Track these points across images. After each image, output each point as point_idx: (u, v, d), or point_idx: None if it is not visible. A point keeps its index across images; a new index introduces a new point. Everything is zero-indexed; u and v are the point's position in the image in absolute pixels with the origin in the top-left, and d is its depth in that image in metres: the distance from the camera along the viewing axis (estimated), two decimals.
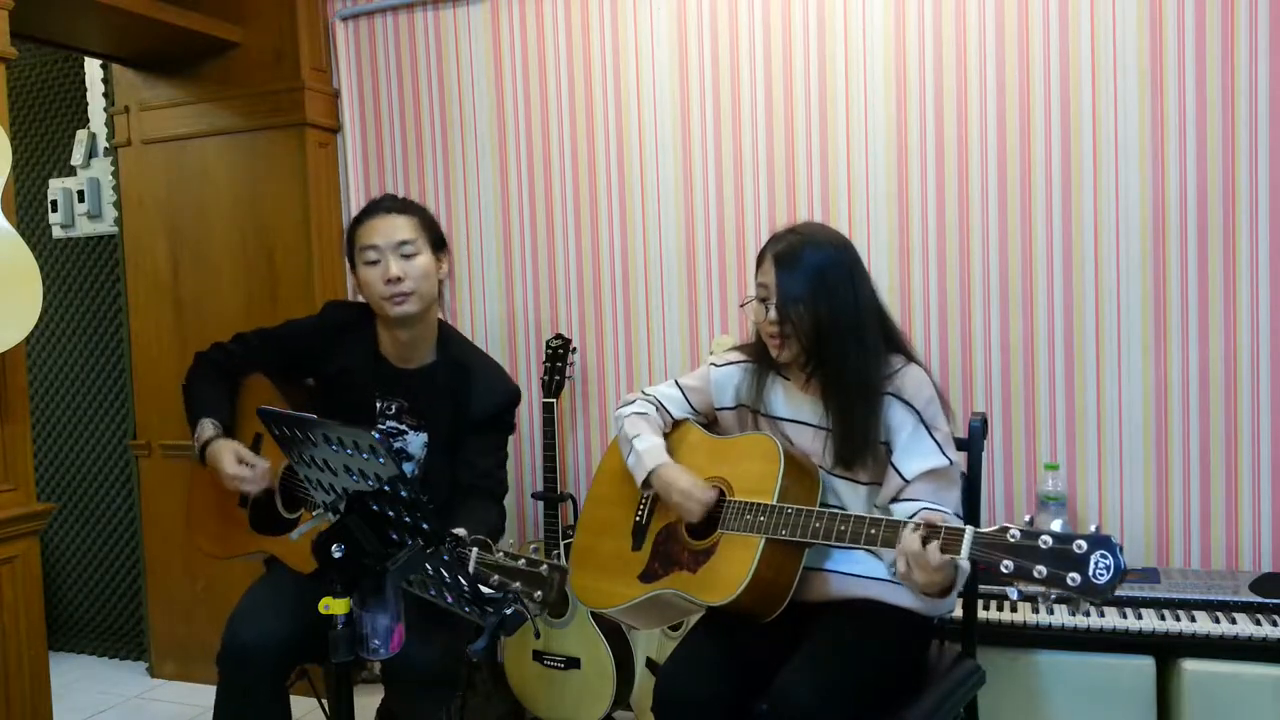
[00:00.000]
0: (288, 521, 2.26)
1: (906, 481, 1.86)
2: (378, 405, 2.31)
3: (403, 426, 2.31)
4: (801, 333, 1.89)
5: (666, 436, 2.10)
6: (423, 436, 2.31)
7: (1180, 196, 2.48)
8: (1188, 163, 2.47)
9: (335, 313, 2.41)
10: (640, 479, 2.03)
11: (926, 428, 1.88)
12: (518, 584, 1.79)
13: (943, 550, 1.62)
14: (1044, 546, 1.50)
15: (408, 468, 2.29)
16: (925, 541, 1.63)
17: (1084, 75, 2.53)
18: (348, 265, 2.34)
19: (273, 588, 2.20)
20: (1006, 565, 1.52)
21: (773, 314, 1.91)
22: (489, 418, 2.31)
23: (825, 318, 1.87)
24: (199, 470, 2.39)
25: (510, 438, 2.43)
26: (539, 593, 1.76)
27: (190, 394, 2.35)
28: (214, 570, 3.26)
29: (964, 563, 1.71)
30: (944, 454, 1.88)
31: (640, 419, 2.10)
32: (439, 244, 2.32)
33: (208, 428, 2.27)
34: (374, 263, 2.23)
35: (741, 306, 2.04)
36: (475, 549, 1.89)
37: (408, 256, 2.23)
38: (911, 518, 1.71)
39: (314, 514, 1.75)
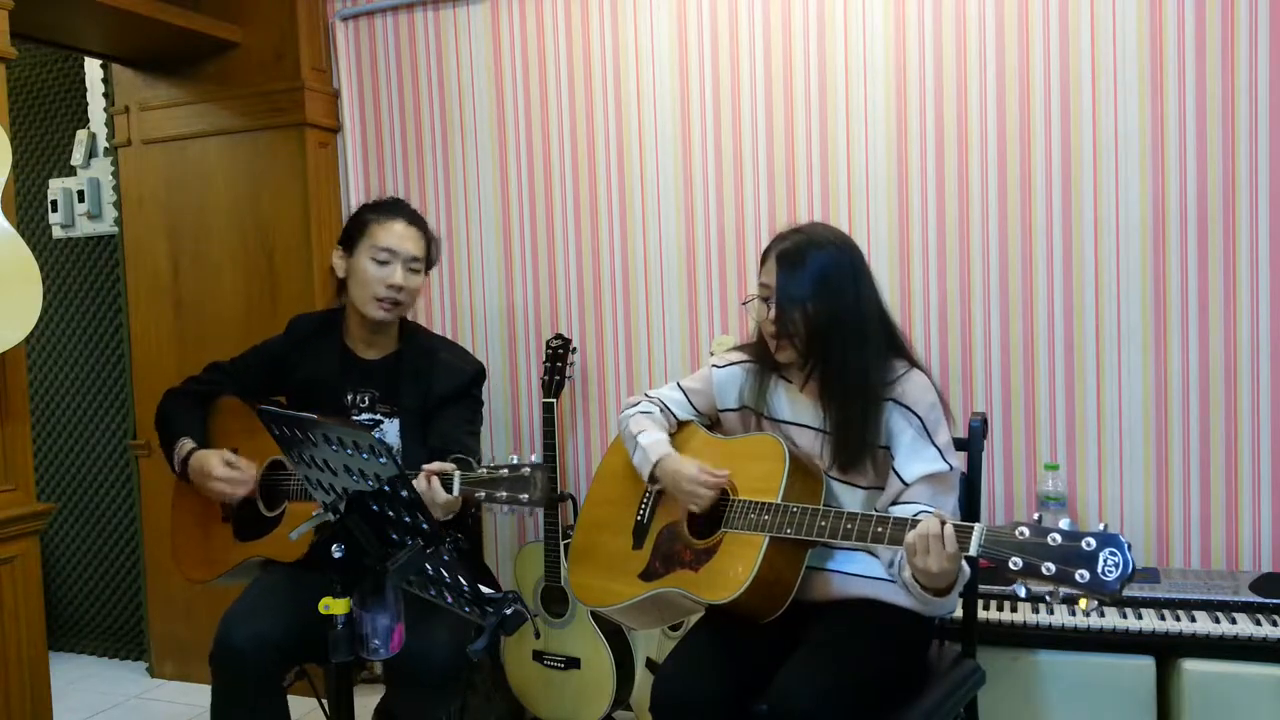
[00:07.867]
0: (272, 520, 2.28)
1: (906, 485, 1.87)
2: (350, 398, 2.35)
3: (377, 416, 2.36)
4: (798, 334, 1.89)
5: (671, 437, 2.10)
6: (397, 422, 2.35)
7: (1180, 196, 2.48)
8: (1188, 163, 2.47)
9: (301, 325, 2.48)
10: (646, 473, 2.02)
11: (928, 434, 1.88)
12: (504, 491, 1.79)
13: None
14: (1053, 543, 1.49)
15: None
16: (943, 523, 1.62)
17: (1084, 75, 2.53)
18: (343, 248, 2.36)
19: (267, 588, 2.20)
20: (1015, 562, 1.52)
21: (773, 313, 1.91)
22: (456, 392, 2.37)
23: (824, 319, 1.87)
24: (179, 498, 2.42)
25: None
26: (525, 495, 1.76)
27: (163, 422, 2.39)
28: None
29: (965, 567, 1.71)
30: (944, 460, 1.88)
31: (644, 417, 2.10)
32: (429, 266, 2.44)
33: (186, 443, 2.32)
34: (384, 264, 2.30)
35: (743, 304, 2.04)
36: (458, 471, 1.89)
37: (413, 271, 2.34)
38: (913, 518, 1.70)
39: (314, 514, 1.75)
